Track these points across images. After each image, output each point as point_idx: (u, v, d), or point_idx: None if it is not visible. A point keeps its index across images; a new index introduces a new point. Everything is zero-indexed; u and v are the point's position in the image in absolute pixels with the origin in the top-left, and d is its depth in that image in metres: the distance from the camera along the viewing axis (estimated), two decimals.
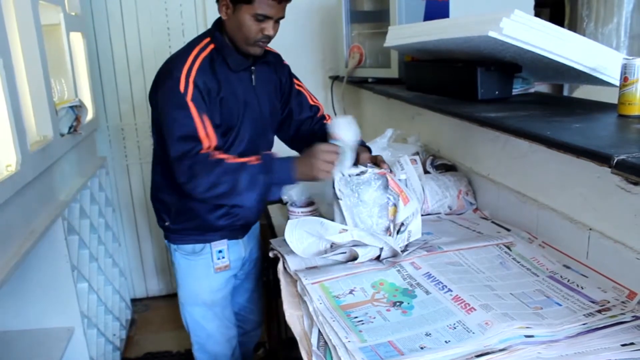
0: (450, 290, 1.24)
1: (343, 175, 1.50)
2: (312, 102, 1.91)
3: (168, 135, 1.55)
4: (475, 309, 1.14)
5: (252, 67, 1.71)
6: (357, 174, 1.50)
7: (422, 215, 1.77)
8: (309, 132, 1.88)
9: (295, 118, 1.88)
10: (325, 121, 1.89)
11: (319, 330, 1.15)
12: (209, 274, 1.80)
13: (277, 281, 1.44)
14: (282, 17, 1.61)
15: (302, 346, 1.13)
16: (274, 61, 1.82)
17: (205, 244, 1.78)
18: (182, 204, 1.73)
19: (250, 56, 1.67)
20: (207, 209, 1.72)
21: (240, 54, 1.65)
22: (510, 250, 1.45)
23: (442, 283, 1.27)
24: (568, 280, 1.27)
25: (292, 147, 1.93)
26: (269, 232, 1.91)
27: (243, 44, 1.62)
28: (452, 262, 1.39)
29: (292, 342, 1.20)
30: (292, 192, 1.82)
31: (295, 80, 1.90)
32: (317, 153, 1.49)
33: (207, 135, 1.53)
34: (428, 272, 1.33)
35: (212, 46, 1.63)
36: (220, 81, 1.61)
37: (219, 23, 1.66)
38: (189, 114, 1.52)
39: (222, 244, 1.79)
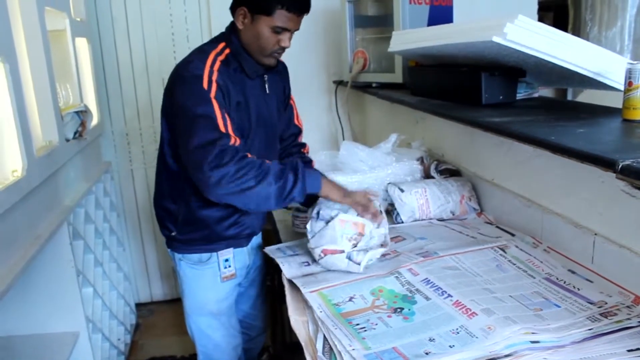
0: (450, 295, 1.24)
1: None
2: (296, 122, 1.93)
3: (190, 129, 1.49)
4: (476, 314, 1.14)
5: (265, 75, 1.71)
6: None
7: (422, 220, 1.79)
8: (286, 153, 1.91)
9: (282, 134, 1.90)
10: (304, 150, 1.93)
11: (324, 336, 1.15)
12: (215, 283, 1.79)
13: (282, 287, 1.44)
14: (298, 30, 1.62)
15: (307, 352, 1.13)
16: (282, 69, 1.84)
17: (212, 253, 1.76)
18: (190, 214, 1.71)
19: (263, 65, 1.67)
20: (215, 219, 1.71)
21: (254, 61, 1.65)
22: (506, 252, 1.46)
23: (441, 289, 1.28)
24: (564, 282, 1.28)
25: None
26: (274, 237, 1.91)
27: (258, 54, 1.62)
28: (449, 267, 1.39)
29: (296, 347, 1.20)
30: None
31: (291, 95, 1.92)
32: (354, 192, 1.52)
33: (229, 133, 1.50)
34: (426, 278, 1.33)
35: (227, 51, 1.62)
36: (236, 86, 1.60)
37: (233, 29, 1.64)
38: (212, 110, 1.49)
39: (228, 253, 1.77)
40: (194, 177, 1.51)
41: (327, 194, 1.51)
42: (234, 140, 1.49)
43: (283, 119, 1.88)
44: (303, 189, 1.47)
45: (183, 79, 1.55)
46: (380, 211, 1.52)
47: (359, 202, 1.47)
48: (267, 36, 1.57)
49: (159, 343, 2.95)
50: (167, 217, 1.77)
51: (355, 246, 1.43)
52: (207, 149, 1.45)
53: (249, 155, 1.49)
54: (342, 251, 1.41)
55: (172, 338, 2.94)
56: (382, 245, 1.49)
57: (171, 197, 1.74)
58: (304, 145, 1.96)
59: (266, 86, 1.72)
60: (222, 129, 1.49)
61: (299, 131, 1.94)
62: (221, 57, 1.59)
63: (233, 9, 1.62)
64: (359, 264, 1.39)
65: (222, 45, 1.62)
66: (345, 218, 1.45)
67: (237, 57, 1.62)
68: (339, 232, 1.43)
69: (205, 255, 1.76)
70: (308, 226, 1.50)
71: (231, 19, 1.65)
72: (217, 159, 1.44)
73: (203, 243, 1.75)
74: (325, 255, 1.43)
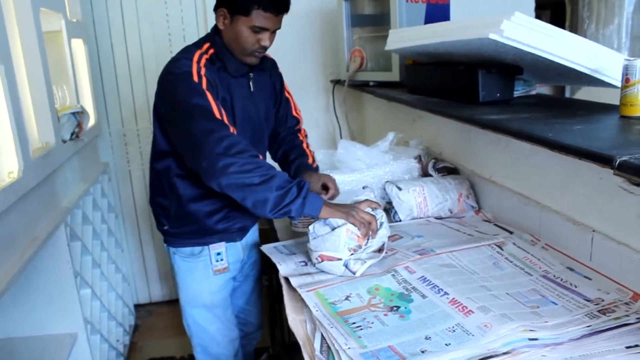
0: (446, 293, 1.24)
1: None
2: (294, 113, 1.95)
3: (189, 120, 1.50)
4: (473, 312, 1.14)
5: (250, 74, 1.73)
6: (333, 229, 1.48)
7: (420, 218, 1.78)
8: (279, 142, 1.93)
9: (278, 129, 1.92)
10: (299, 135, 1.95)
11: (322, 335, 1.14)
12: (208, 275, 1.81)
13: (280, 286, 1.43)
14: (279, 28, 1.64)
15: (305, 351, 1.13)
16: (270, 66, 1.86)
17: (204, 247, 1.79)
18: (181, 208, 1.74)
19: (245, 64, 1.69)
20: (205, 213, 1.73)
21: (237, 60, 1.68)
22: (502, 250, 1.46)
23: (437, 286, 1.27)
24: (561, 280, 1.28)
25: None
26: (271, 236, 1.90)
27: (239, 54, 1.66)
28: (445, 265, 1.39)
29: (295, 347, 1.20)
30: None
31: (286, 87, 1.93)
32: (359, 209, 1.49)
33: (225, 122, 1.52)
34: (423, 276, 1.33)
35: (212, 51, 1.66)
36: (222, 84, 1.63)
37: (216, 29, 1.68)
38: (207, 100, 1.52)
39: (220, 247, 1.80)
40: (198, 166, 1.50)
41: (327, 217, 1.48)
42: (232, 130, 1.51)
43: (276, 116, 1.90)
44: (302, 207, 1.46)
45: (174, 76, 1.58)
46: (382, 222, 1.51)
47: (364, 221, 1.46)
48: (246, 36, 1.60)
49: (158, 344, 2.95)
50: (161, 212, 1.80)
51: (352, 255, 1.43)
52: (211, 137, 1.46)
53: (260, 157, 1.51)
54: (340, 259, 1.41)
55: (171, 339, 2.94)
56: (379, 251, 1.48)
57: (164, 192, 1.76)
58: (299, 130, 1.98)
59: (251, 84, 1.74)
60: (219, 117, 1.51)
61: (296, 122, 1.96)
62: (206, 56, 1.63)
63: (215, 10, 1.65)
64: (354, 272, 1.39)
65: (206, 45, 1.66)
66: (352, 229, 1.45)
67: (220, 56, 1.66)
68: (342, 240, 1.42)
69: (197, 249, 1.79)
70: (311, 227, 1.49)
71: None
72: (225, 148, 1.45)
73: (194, 236, 1.78)
74: (322, 260, 1.42)
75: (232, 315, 1.94)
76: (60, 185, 2.07)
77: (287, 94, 1.93)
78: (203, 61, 1.60)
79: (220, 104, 1.56)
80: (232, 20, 1.60)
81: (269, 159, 1.92)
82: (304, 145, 1.93)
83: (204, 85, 1.54)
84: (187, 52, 1.64)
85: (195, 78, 1.54)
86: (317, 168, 1.88)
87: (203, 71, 1.57)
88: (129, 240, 3.27)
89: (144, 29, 3.00)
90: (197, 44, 1.68)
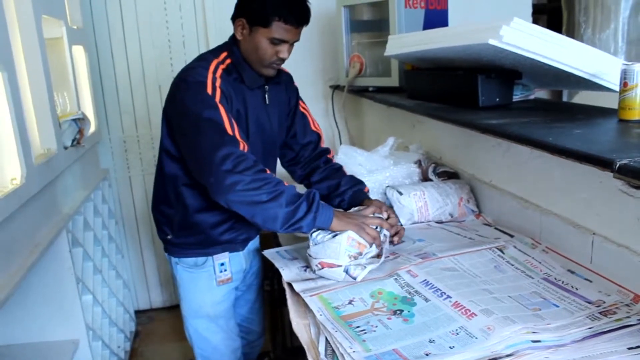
0: (449, 296, 1.24)
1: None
2: (313, 127, 1.92)
3: (199, 134, 1.49)
4: (476, 314, 1.15)
5: (266, 86, 1.72)
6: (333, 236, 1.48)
7: (421, 223, 1.79)
8: (311, 166, 1.89)
9: (299, 141, 1.89)
10: (329, 156, 1.91)
11: (326, 339, 1.15)
12: (211, 286, 1.79)
13: (283, 290, 1.44)
14: (297, 40, 1.63)
15: (309, 355, 1.14)
16: (286, 80, 1.85)
17: (207, 257, 1.77)
18: (186, 218, 1.72)
19: (263, 76, 1.68)
20: (211, 224, 1.71)
21: (254, 71, 1.66)
22: (503, 253, 1.47)
23: (440, 290, 1.28)
24: (562, 282, 1.29)
25: (288, 169, 1.95)
26: (273, 241, 1.91)
27: (257, 65, 1.63)
28: (447, 268, 1.40)
29: (297, 351, 1.21)
30: None
31: (301, 103, 1.91)
32: (367, 219, 1.50)
33: (237, 137, 1.49)
34: (425, 280, 1.34)
35: (229, 61, 1.63)
36: (237, 95, 1.61)
37: (234, 39, 1.66)
38: (219, 114, 1.49)
39: (223, 257, 1.78)
40: (205, 181, 1.48)
41: (339, 229, 1.47)
42: (243, 146, 1.49)
43: (290, 129, 1.88)
44: (313, 222, 1.45)
45: (187, 85, 1.56)
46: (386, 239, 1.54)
47: (372, 236, 1.46)
48: (265, 47, 1.58)
49: (158, 350, 2.95)
50: (164, 221, 1.79)
51: (353, 261, 1.43)
52: (219, 153, 1.44)
53: (268, 171, 1.49)
54: (340, 266, 1.41)
55: (171, 345, 2.94)
56: (378, 256, 1.49)
57: (169, 201, 1.75)
58: (328, 150, 1.93)
59: (266, 97, 1.73)
60: (230, 132, 1.49)
61: (317, 137, 1.92)
62: (223, 66, 1.61)
63: (233, 20, 1.63)
64: (355, 278, 1.39)
65: (224, 54, 1.64)
66: (354, 236, 1.45)
67: (237, 67, 1.63)
68: (343, 248, 1.43)
69: (200, 259, 1.77)
70: (313, 233, 1.49)
71: (229, 26, 1.66)
72: (233, 165, 1.43)
73: (198, 247, 1.76)
74: (322, 267, 1.43)
75: (235, 325, 1.93)
76: (61, 191, 2.07)
77: (302, 109, 1.89)
78: (219, 71, 1.58)
79: (233, 116, 1.54)
80: (250, 31, 1.58)
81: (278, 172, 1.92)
82: (345, 170, 1.87)
83: (218, 98, 1.51)
84: (203, 61, 1.62)
85: (209, 90, 1.52)
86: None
87: (218, 82, 1.55)
88: (129, 246, 3.27)
89: (144, 35, 3.01)
90: (214, 52, 1.66)
